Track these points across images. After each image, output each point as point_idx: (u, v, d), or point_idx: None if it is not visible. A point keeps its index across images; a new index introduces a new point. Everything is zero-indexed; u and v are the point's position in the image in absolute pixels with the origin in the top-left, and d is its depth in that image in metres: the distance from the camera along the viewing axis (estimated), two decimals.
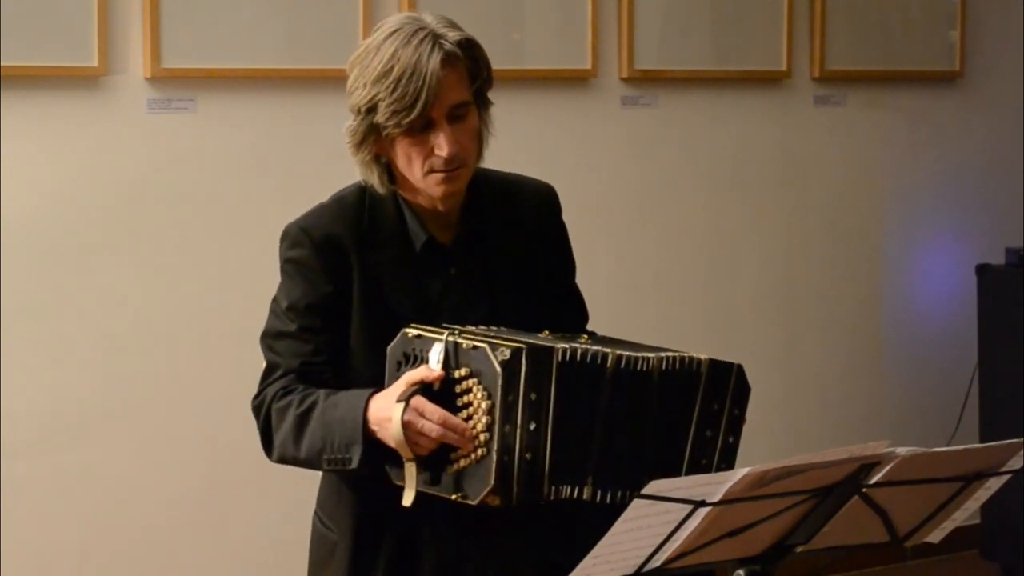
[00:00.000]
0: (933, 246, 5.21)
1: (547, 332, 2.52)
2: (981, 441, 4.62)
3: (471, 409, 2.36)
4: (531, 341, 2.39)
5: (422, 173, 2.49)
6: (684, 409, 2.46)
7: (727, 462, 2.50)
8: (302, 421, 2.48)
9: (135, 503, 4.01)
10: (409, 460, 2.38)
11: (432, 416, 2.35)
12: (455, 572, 2.55)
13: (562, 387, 2.38)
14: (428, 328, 2.43)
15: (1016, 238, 5.17)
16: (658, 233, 4.72)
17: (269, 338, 2.58)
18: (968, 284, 5.01)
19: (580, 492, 2.41)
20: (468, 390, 2.36)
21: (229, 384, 4.03)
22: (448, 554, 2.54)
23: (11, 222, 3.84)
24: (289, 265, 2.56)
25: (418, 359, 2.40)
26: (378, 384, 2.46)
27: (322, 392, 2.49)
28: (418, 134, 2.46)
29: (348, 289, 2.53)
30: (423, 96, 2.41)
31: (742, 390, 2.51)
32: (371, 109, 2.45)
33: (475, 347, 2.35)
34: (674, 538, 2.12)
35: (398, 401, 2.35)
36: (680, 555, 2.16)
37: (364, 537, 2.55)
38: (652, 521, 2.09)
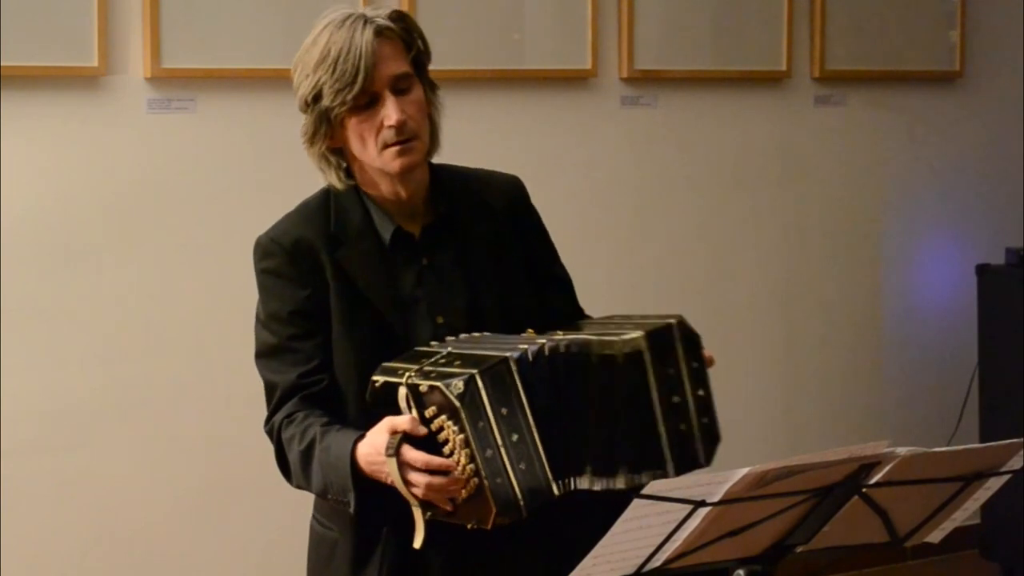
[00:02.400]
0: (933, 246, 5.21)
1: (531, 331, 2.52)
2: (981, 441, 4.62)
3: (450, 445, 2.35)
4: (491, 354, 2.39)
5: (377, 151, 2.53)
6: (641, 387, 2.45)
7: (707, 416, 2.48)
8: (306, 458, 2.52)
9: (135, 503, 4.01)
10: (416, 506, 2.40)
11: (416, 463, 2.36)
12: (461, 563, 2.56)
13: (532, 391, 2.38)
14: (393, 367, 2.44)
15: (1016, 238, 5.17)
16: (658, 233, 4.72)
17: (263, 357, 2.61)
18: (968, 284, 5.01)
19: (578, 481, 2.41)
20: (441, 428, 2.36)
21: (228, 384, 4.03)
22: (454, 547, 2.54)
23: (11, 222, 3.84)
24: (264, 276, 2.60)
25: (394, 405, 2.41)
26: (365, 385, 2.48)
27: (319, 428, 2.51)
28: (365, 111, 2.52)
29: (324, 290, 2.56)
30: (361, 68, 2.48)
31: (690, 341, 2.49)
32: (317, 96, 2.52)
33: (431, 387, 2.35)
34: (674, 538, 2.12)
35: (387, 455, 2.36)
36: (680, 555, 2.16)
37: (365, 532, 2.56)
38: (652, 521, 2.09)
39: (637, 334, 2.46)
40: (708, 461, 2.48)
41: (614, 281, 4.61)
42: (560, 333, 2.52)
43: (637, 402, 2.45)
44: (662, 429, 2.46)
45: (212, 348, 4.06)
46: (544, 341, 2.43)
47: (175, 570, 4.07)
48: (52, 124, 3.88)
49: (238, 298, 4.03)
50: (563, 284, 2.76)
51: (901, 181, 5.14)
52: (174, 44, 3.95)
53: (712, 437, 2.49)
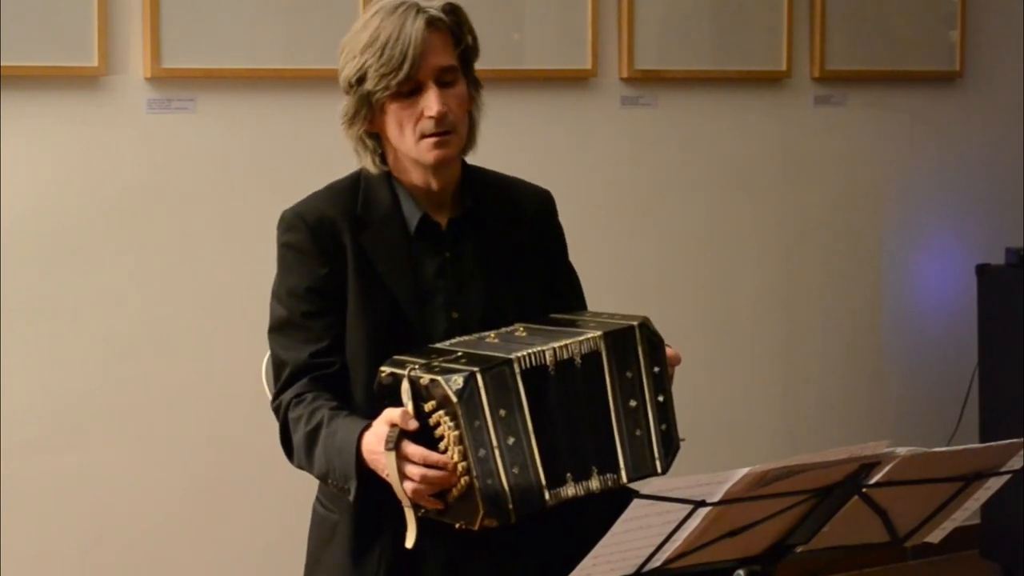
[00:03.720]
0: (933, 246, 5.21)
1: (521, 327, 2.52)
2: (981, 441, 4.62)
3: (445, 442, 2.35)
4: (496, 355, 2.38)
5: (414, 140, 2.54)
6: (598, 389, 2.44)
7: (665, 421, 2.46)
8: (310, 441, 2.51)
9: (135, 503, 4.01)
10: (407, 507, 2.39)
11: (413, 457, 2.36)
12: (460, 559, 2.56)
13: (533, 393, 2.38)
14: (402, 360, 2.44)
15: (1016, 238, 5.17)
16: (658, 233, 4.72)
17: (275, 332, 2.61)
18: (968, 284, 5.01)
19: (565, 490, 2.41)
20: (438, 423, 2.36)
21: (228, 383, 4.03)
22: (454, 542, 2.54)
23: (11, 222, 3.84)
24: (285, 249, 2.60)
25: (397, 397, 2.41)
26: (375, 371, 2.48)
27: (327, 411, 2.51)
28: (407, 98, 2.53)
29: (343, 270, 2.56)
30: (409, 55, 2.49)
31: (652, 345, 2.47)
32: (361, 79, 2.54)
33: (432, 380, 2.35)
34: (674, 538, 2.13)
35: (387, 449, 2.36)
36: (680, 555, 2.16)
37: (365, 515, 2.56)
38: (652, 521, 2.09)
39: (595, 334, 2.45)
40: (665, 469, 2.45)
41: (614, 281, 4.61)
42: (521, 328, 2.51)
43: (594, 403, 2.44)
44: (616, 433, 2.44)
45: (212, 347, 4.06)
46: (544, 347, 2.42)
47: (175, 570, 4.07)
48: (52, 124, 3.88)
49: (238, 297, 4.05)
50: (577, 299, 2.77)
51: (901, 181, 5.14)
52: (174, 44, 3.95)
53: (670, 444, 2.47)
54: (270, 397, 2.78)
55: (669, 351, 2.52)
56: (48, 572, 3.94)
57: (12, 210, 3.84)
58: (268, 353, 2.83)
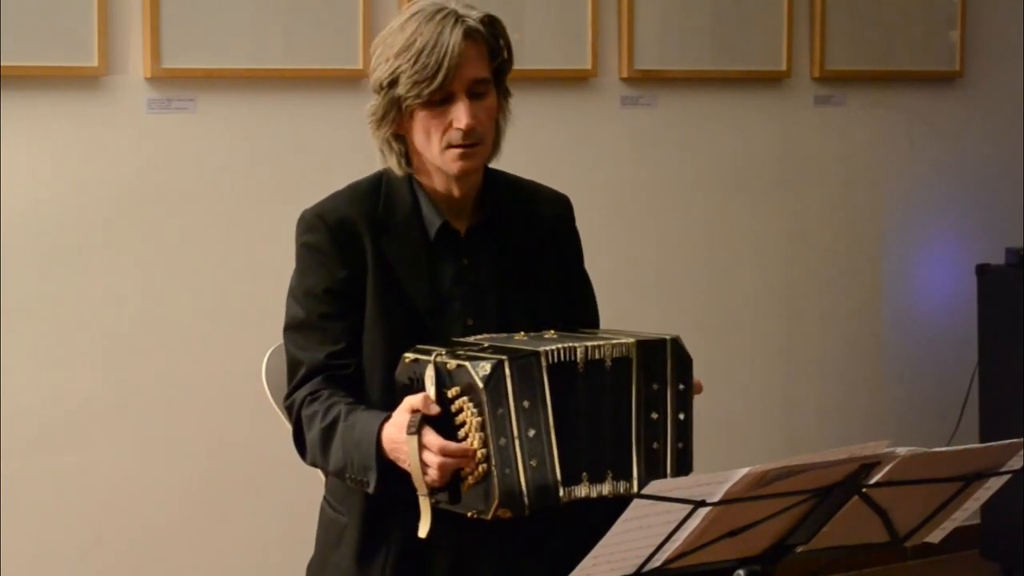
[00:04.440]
0: (933, 246, 5.21)
1: (552, 331, 2.53)
2: (981, 441, 4.62)
3: (466, 428, 2.36)
4: (523, 348, 2.39)
5: (440, 149, 2.53)
6: (623, 395, 2.45)
7: (683, 440, 2.48)
8: (326, 436, 2.51)
9: (135, 503, 4.01)
10: (423, 495, 2.39)
11: (431, 446, 2.36)
12: (465, 563, 2.56)
13: (558, 389, 2.38)
14: (426, 348, 2.45)
15: (1016, 238, 5.17)
16: (658, 233, 4.72)
17: (291, 331, 2.61)
18: (968, 284, 5.01)
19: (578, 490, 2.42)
20: (461, 409, 2.37)
21: (229, 384, 4.03)
22: (459, 547, 2.54)
23: (11, 222, 3.84)
24: (304, 250, 2.60)
25: (419, 383, 2.41)
26: (390, 373, 2.48)
27: (344, 406, 2.51)
28: (437, 107, 2.52)
29: (362, 273, 2.57)
30: (444, 66, 2.47)
31: (682, 363, 2.49)
32: (393, 82, 2.51)
33: (459, 366, 2.36)
34: (674, 538, 2.13)
35: (408, 433, 2.36)
36: (680, 555, 2.16)
37: (374, 519, 2.56)
38: (652, 521, 2.09)
39: (629, 340, 2.46)
40: None
41: (614, 281, 4.60)
42: (553, 332, 2.52)
43: (617, 409, 2.45)
44: (634, 442, 2.45)
45: (212, 348, 4.06)
46: (576, 344, 2.43)
47: (175, 570, 4.07)
48: (52, 124, 3.88)
49: (238, 297, 4.05)
50: (591, 306, 2.78)
51: (901, 181, 5.14)
52: (174, 44, 3.95)
53: (684, 464, 2.47)
54: (270, 397, 2.78)
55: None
56: (48, 572, 3.94)
57: (12, 210, 3.84)
58: (268, 353, 2.84)
